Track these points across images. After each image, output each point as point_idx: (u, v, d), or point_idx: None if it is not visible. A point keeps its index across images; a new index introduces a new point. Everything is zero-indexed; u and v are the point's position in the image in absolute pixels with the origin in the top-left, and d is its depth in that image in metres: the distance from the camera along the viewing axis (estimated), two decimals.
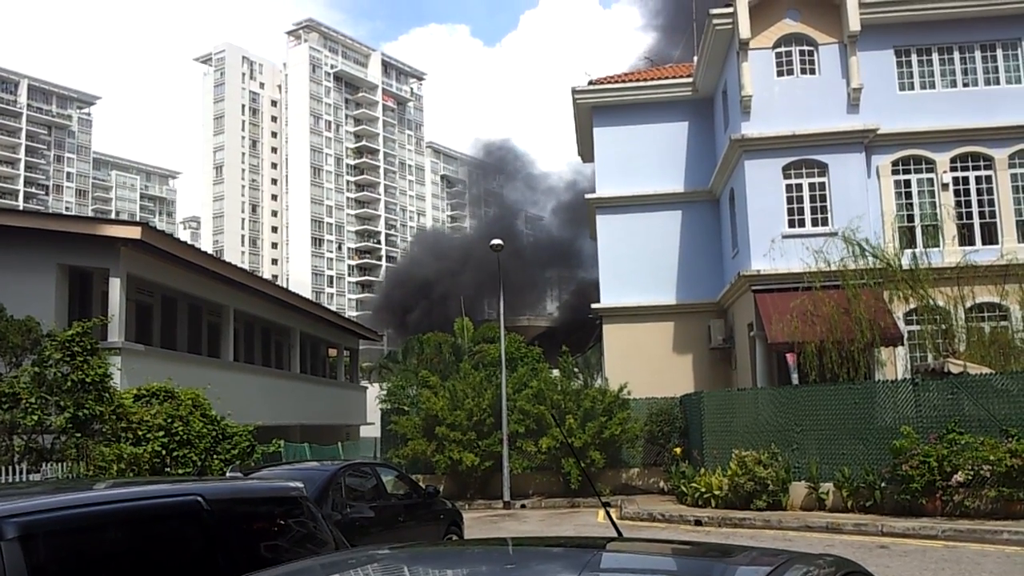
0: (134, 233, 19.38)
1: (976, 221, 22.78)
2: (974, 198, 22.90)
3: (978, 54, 23.29)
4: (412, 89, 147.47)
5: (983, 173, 22.86)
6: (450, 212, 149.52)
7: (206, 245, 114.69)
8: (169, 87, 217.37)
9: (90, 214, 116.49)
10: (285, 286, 50.65)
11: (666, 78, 28.56)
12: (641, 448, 24.13)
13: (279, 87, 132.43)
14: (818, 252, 21.12)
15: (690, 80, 27.85)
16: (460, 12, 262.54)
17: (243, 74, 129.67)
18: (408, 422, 24.77)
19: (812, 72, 23.41)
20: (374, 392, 35.80)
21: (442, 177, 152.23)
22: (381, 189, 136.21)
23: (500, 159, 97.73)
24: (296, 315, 31.02)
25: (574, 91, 28.46)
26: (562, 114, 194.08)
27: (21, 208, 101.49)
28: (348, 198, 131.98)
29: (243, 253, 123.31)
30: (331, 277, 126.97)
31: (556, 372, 26.10)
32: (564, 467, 23.08)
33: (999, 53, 23.23)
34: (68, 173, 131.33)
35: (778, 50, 23.49)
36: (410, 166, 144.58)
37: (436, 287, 58.60)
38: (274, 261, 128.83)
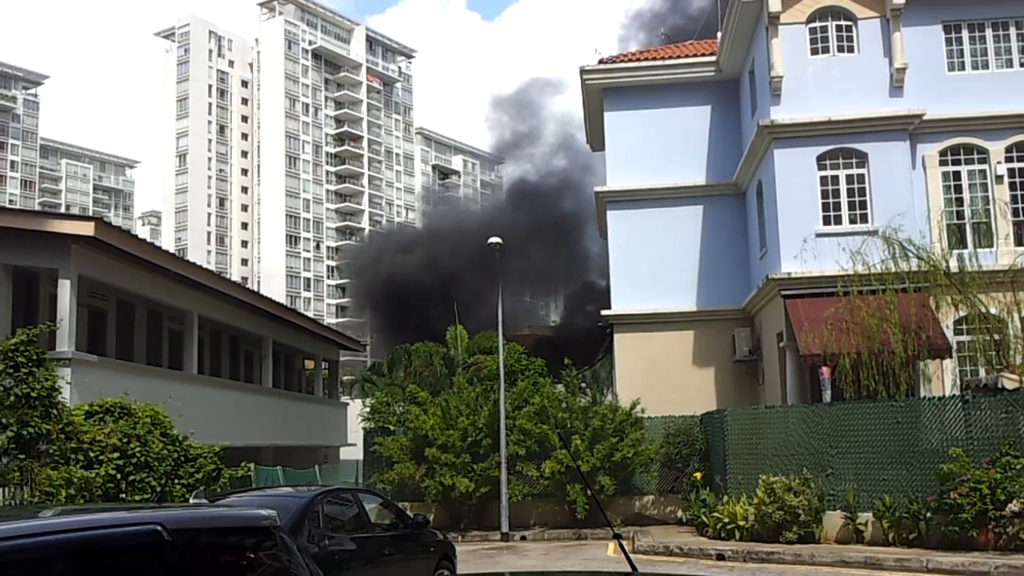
0: (87, 229, 19.37)
1: None
2: None
3: None
4: (400, 68, 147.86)
5: None
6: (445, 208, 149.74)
7: (167, 243, 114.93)
8: (126, 66, 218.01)
9: (37, 208, 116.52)
10: (256, 289, 50.43)
11: (686, 57, 28.43)
12: (656, 473, 24.03)
13: (250, 66, 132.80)
14: (856, 253, 20.83)
15: (713, 59, 27.80)
16: None
17: (210, 51, 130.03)
18: (394, 443, 24.60)
19: (850, 50, 23.24)
20: (356, 409, 36.05)
21: (434, 167, 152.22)
22: (365, 181, 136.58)
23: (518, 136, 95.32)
24: (268, 322, 31.00)
25: (582, 71, 28.41)
26: (571, 97, 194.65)
27: None
28: (328, 191, 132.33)
29: (209, 252, 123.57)
30: (308, 280, 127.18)
31: (560, 387, 26.07)
32: (570, 494, 22.94)
33: None
34: (12, 162, 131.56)
35: (812, 25, 23.32)
36: (398, 155, 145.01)
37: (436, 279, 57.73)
38: (244, 261, 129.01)
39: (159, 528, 3.97)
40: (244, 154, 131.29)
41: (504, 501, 22.97)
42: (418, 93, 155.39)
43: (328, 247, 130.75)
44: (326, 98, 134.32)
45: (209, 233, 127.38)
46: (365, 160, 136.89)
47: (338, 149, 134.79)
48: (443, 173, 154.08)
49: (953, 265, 20.51)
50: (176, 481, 15.21)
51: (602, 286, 36.19)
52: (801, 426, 18.94)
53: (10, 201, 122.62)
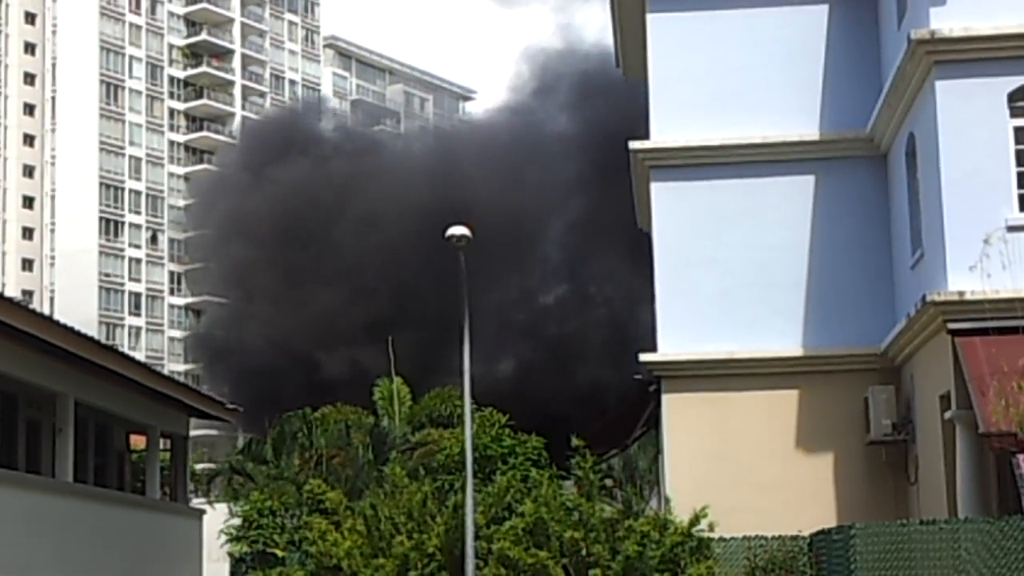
0: None
1: None
2: None
3: None
4: None
5: None
6: None
7: None
8: None
9: None
10: (48, 313, 40.95)
11: None
12: None
13: None
14: None
15: None
16: None
17: None
18: None
19: None
20: (218, 520, 32.25)
21: (353, 103, 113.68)
22: (237, 127, 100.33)
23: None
24: (68, 370, 25.23)
25: None
26: None
27: None
28: (173, 143, 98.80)
29: None
30: (136, 296, 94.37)
31: (570, 485, 22.96)
32: None
33: None
34: None
35: None
36: (294, 83, 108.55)
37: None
38: (25, 265, 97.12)
39: None
40: (29, 79, 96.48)
41: None
42: None
43: (173, 240, 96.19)
44: None
45: None
46: (238, 92, 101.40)
47: (191, 72, 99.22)
48: (372, 113, 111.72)
49: None
50: None
51: (644, 311, 32.42)
52: (983, 555, 16.37)
53: None
